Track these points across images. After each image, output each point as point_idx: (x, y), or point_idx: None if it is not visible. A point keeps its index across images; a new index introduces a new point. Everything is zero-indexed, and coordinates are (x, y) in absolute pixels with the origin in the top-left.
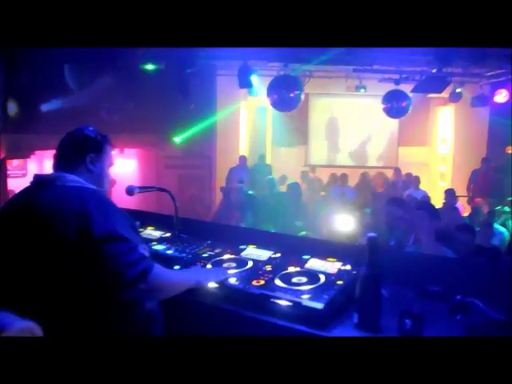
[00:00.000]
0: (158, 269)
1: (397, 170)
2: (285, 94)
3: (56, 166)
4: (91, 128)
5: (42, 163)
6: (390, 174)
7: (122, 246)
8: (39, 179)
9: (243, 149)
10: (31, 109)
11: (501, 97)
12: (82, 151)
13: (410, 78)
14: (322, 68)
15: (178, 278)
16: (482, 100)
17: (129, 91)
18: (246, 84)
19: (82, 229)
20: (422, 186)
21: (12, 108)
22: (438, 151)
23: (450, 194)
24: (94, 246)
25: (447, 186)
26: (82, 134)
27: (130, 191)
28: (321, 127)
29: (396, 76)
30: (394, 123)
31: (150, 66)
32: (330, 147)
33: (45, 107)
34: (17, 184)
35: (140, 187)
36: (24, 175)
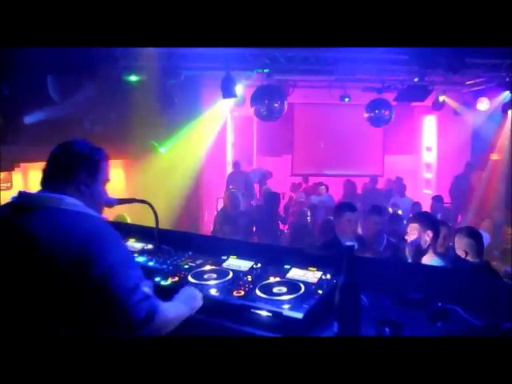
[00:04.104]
0: (163, 308)
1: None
2: (268, 104)
3: (43, 184)
4: (86, 142)
5: (27, 176)
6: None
7: (125, 283)
8: (29, 199)
9: (230, 158)
10: (13, 120)
11: (483, 105)
12: (74, 170)
13: (392, 87)
14: (306, 78)
15: (178, 312)
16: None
17: (112, 102)
18: (229, 94)
19: (83, 265)
20: (408, 194)
21: None
22: (423, 159)
23: (437, 202)
24: (96, 284)
25: (432, 193)
26: (75, 149)
27: (108, 203)
28: (306, 136)
29: (378, 85)
30: (379, 132)
31: (133, 78)
32: (315, 156)
33: (27, 119)
34: (2, 198)
35: (119, 199)
36: (9, 188)
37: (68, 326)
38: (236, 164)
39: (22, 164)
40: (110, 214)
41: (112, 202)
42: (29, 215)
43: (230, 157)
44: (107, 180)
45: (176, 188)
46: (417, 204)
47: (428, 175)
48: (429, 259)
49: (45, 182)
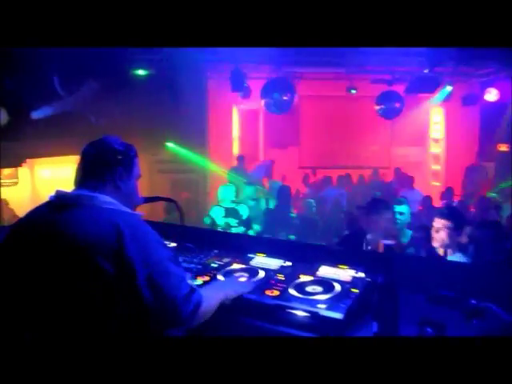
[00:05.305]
0: (206, 297)
1: (397, 171)
2: (278, 97)
3: (80, 183)
4: (117, 139)
5: (33, 171)
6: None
7: (170, 279)
8: (66, 198)
9: (236, 152)
10: (20, 116)
11: (491, 96)
12: (111, 166)
13: (402, 79)
14: (314, 70)
15: (215, 299)
16: (473, 98)
17: (118, 96)
18: (238, 88)
19: (126, 267)
20: (416, 186)
21: (1, 115)
22: (431, 151)
23: (449, 193)
24: (142, 285)
25: (440, 185)
26: (110, 146)
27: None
28: (313, 128)
29: (388, 77)
30: (386, 123)
31: (140, 72)
32: (322, 148)
33: (33, 114)
34: (9, 193)
35: (145, 197)
36: (15, 183)
37: (114, 327)
38: (240, 158)
39: (28, 160)
40: None
41: (138, 201)
42: (63, 213)
43: (236, 150)
44: (139, 176)
45: (182, 181)
46: (427, 198)
47: (436, 167)
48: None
49: (83, 180)
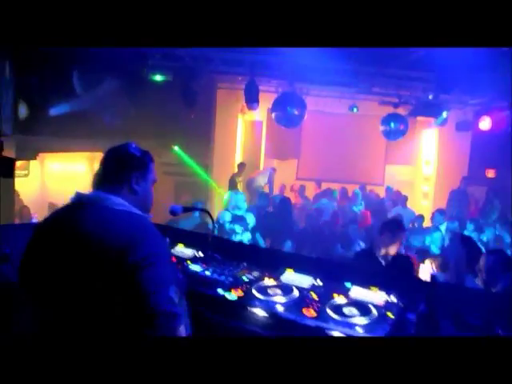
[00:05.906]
0: (183, 322)
1: (388, 189)
2: (290, 111)
3: (98, 185)
4: (135, 145)
5: (43, 165)
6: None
7: (154, 276)
8: (83, 198)
9: (238, 160)
10: (38, 111)
11: (485, 124)
12: (127, 170)
13: (407, 102)
14: (319, 87)
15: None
16: (466, 125)
17: (133, 97)
18: (252, 99)
19: (120, 254)
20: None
21: (22, 109)
22: (422, 171)
23: (440, 216)
24: (128, 272)
25: (430, 205)
26: (127, 152)
27: (174, 212)
28: (313, 143)
29: (395, 100)
30: (382, 142)
31: (158, 77)
32: (320, 162)
33: (51, 110)
34: (20, 184)
35: (183, 207)
36: (26, 175)
37: (97, 317)
38: (241, 165)
39: (40, 153)
40: None
41: (177, 210)
42: (79, 214)
43: (239, 159)
44: (155, 180)
45: (186, 184)
46: (420, 216)
47: (426, 187)
48: None
49: (100, 183)
